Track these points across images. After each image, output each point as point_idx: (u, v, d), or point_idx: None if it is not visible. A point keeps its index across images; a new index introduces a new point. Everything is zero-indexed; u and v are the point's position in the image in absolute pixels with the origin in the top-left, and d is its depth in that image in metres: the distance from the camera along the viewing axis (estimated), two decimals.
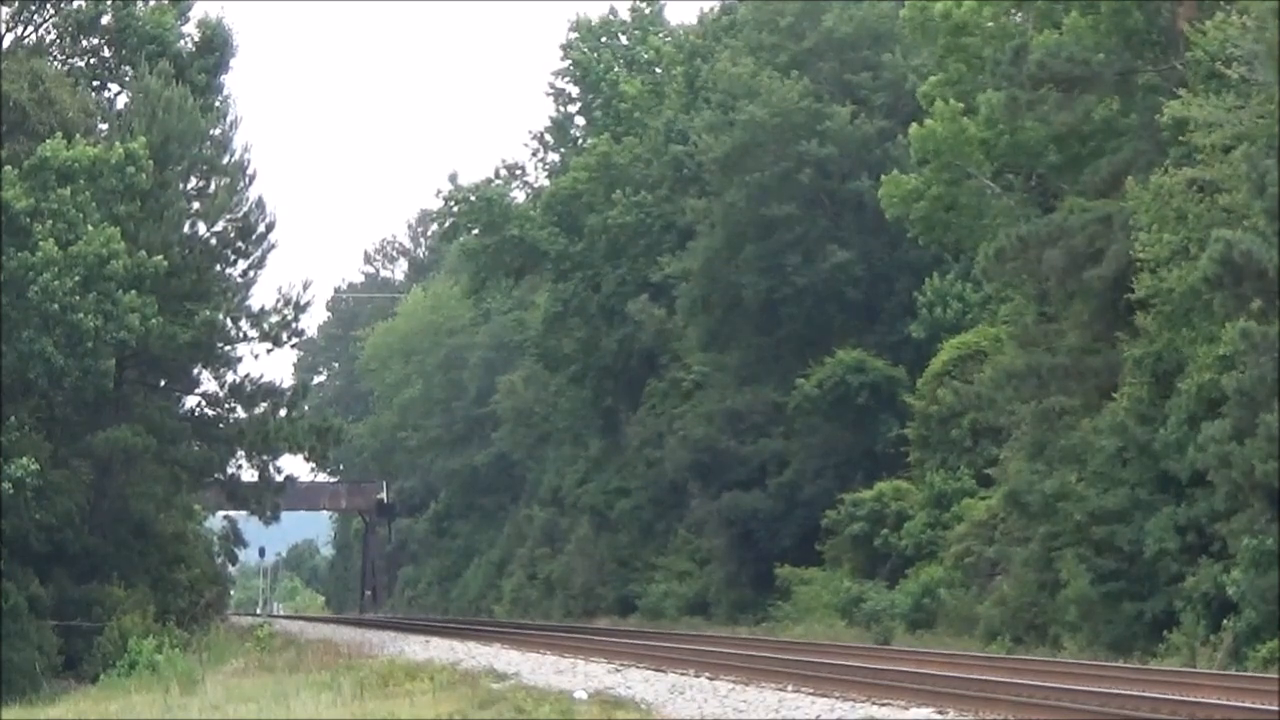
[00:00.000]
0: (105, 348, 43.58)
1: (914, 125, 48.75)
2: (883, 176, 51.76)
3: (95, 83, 52.84)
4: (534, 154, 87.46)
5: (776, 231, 62.20)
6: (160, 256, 44.77)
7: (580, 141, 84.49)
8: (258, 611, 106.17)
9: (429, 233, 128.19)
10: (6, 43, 49.98)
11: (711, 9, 79.19)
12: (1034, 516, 39.31)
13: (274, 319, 50.62)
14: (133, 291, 43.82)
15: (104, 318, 43.18)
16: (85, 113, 48.54)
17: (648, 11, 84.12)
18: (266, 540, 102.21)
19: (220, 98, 53.64)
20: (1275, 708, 19.69)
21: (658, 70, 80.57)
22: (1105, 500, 36.25)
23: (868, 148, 61.62)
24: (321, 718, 24.27)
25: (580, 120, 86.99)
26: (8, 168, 43.85)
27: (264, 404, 51.05)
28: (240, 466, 52.13)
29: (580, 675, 28.46)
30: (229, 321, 50.16)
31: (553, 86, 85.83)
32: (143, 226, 45.74)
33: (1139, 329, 36.76)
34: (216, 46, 53.65)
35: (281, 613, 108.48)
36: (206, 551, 56.19)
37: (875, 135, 61.47)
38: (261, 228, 50.58)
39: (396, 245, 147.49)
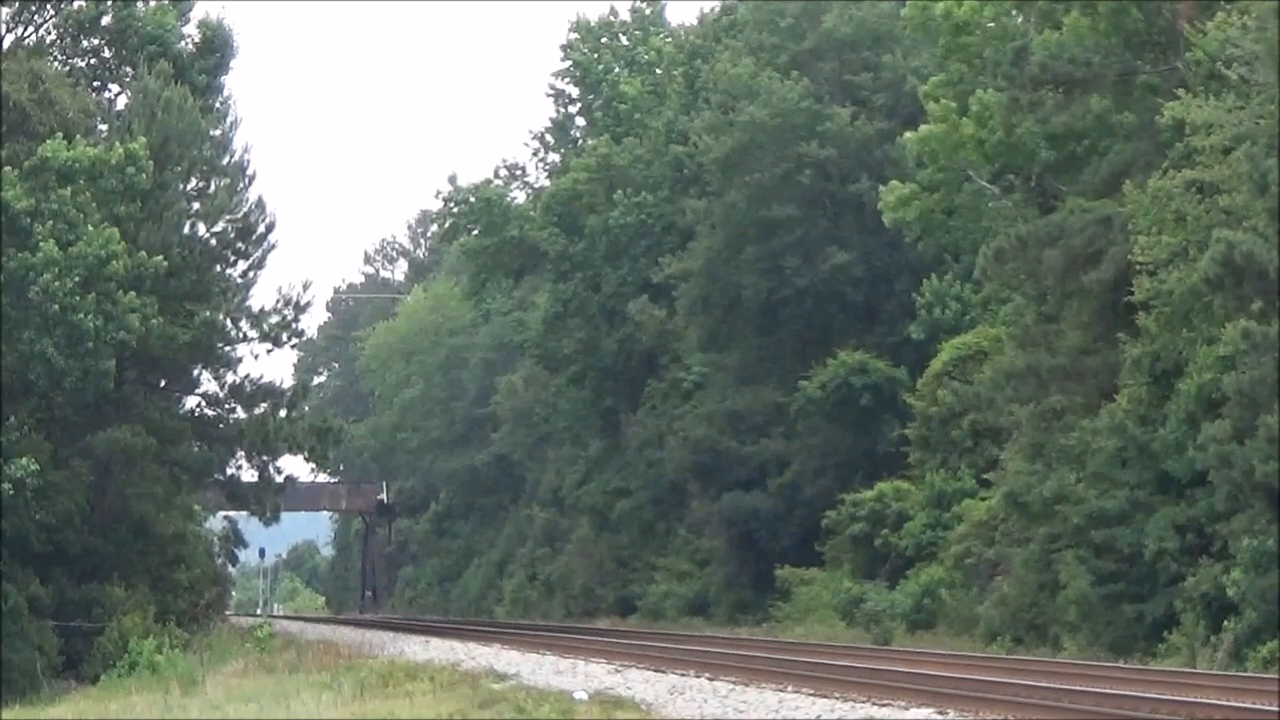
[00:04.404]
0: (105, 348, 43.58)
1: (908, 133, 48.81)
2: (881, 187, 51.82)
3: (95, 83, 52.86)
4: (534, 154, 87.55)
5: (777, 232, 62.19)
6: (160, 257, 44.77)
7: (580, 142, 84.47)
8: (258, 612, 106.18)
9: (429, 233, 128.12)
10: (7, 43, 50.01)
11: (711, 9, 79.33)
12: (1034, 517, 39.32)
13: (274, 319, 50.63)
14: (133, 292, 43.82)
15: (104, 318, 43.17)
16: (85, 113, 48.56)
17: (648, 12, 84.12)
18: (266, 541, 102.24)
19: (220, 98, 53.63)
20: (1275, 708, 19.69)
21: (658, 71, 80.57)
22: (1105, 501, 36.25)
23: (868, 149, 61.61)
24: (322, 718, 24.27)
25: (580, 121, 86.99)
26: (8, 168, 43.87)
27: (264, 404, 51.04)
28: (240, 467, 52.18)
29: (580, 675, 28.47)
30: (229, 322, 50.15)
31: (553, 87, 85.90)
32: (143, 227, 45.75)
33: (1139, 329, 36.76)
34: (217, 47, 53.63)
35: (281, 613, 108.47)
36: (206, 552, 56.17)
37: (875, 136, 61.44)
38: (261, 228, 50.60)
39: (396, 245, 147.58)
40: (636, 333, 72.89)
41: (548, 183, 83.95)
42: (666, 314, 70.05)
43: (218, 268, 50.44)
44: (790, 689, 24.13)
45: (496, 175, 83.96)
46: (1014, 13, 46.61)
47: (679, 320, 68.54)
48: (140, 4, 52.21)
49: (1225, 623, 31.87)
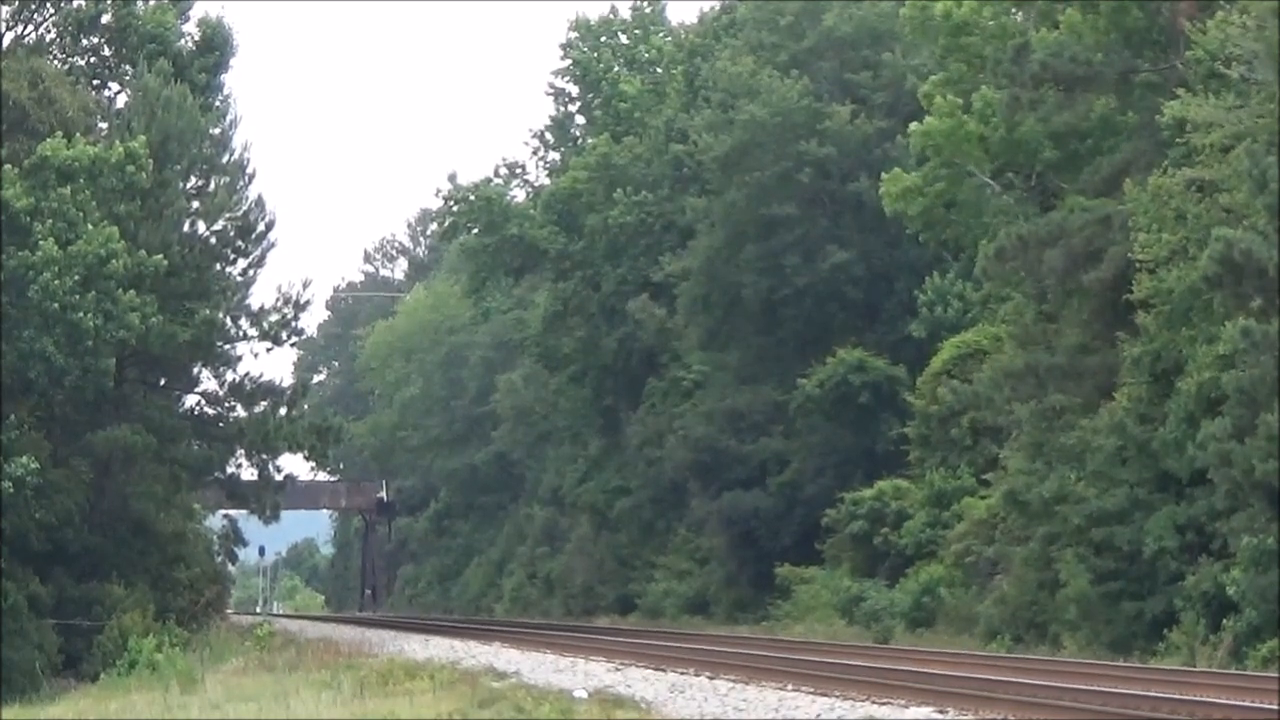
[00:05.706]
0: (105, 347, 43.58)
1: (914, 124, 48.79)
2: (883, 174, 51.79)
3: (95, 82, 52.87)
4: (534, 153, 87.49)
5: (776, 231, 62.20)
6: (160, 255, 44.77)
7: (580, 141, 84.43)
8: (257, 610, 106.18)
9: (429, 232, 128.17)
10: (6, 42, 50.00)
11: (711, 8, 79.26)
12: (1034, 516, 39.31)
13: (274, 318, 50.63)
14: (132, 290, 43.82)
15: (104, 317, 43.17)
16: (85, 112, 48.53)
17: (648, 10, 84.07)
18: (266, 539, 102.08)
19: (220, 97, 53.66)
20: (1275, 707, 19.70)
21: (658, 69, 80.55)
22: (1105, 499, 36.24)
23: (867, 147, 61.61)
24: (321, 717, 24.26)
25: (580, 119, 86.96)
26: (8, 167, 43.86)
27: (264, 403, 51.04)
28: (240, 465, 52.17)
29: (580, 674, 28.47)
30: (229, 320, 50.16)
31: (553, 86, 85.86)
32: (142, 225, 45.75)
33: (1139, 328, 36.76)
34: (216, 46, 53.65)
35: (281, 611, 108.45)
36: (206, 550, 56.11)
37: (875, 135, 61.44)
38: (261, 226, 50.61)
39: (396, 244, 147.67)
40: (636, 331, 72.87)
41: (547, 181, 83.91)
42: (666, 313, 70.03)
43: (217, 266, 50.43)
44: (790, 687, 24.14)
45: (496, 174, 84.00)
46: (1013, 11, 46.59)
47: (679, 319, 68.54)
48: (140, 2, 52.24)
49: (1225, 621, 31.88)
